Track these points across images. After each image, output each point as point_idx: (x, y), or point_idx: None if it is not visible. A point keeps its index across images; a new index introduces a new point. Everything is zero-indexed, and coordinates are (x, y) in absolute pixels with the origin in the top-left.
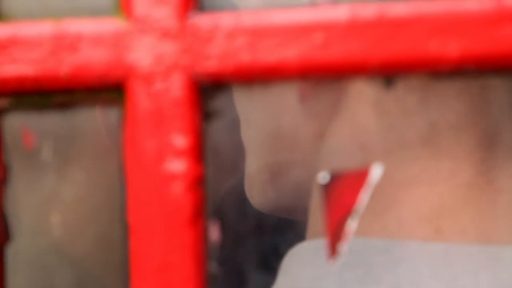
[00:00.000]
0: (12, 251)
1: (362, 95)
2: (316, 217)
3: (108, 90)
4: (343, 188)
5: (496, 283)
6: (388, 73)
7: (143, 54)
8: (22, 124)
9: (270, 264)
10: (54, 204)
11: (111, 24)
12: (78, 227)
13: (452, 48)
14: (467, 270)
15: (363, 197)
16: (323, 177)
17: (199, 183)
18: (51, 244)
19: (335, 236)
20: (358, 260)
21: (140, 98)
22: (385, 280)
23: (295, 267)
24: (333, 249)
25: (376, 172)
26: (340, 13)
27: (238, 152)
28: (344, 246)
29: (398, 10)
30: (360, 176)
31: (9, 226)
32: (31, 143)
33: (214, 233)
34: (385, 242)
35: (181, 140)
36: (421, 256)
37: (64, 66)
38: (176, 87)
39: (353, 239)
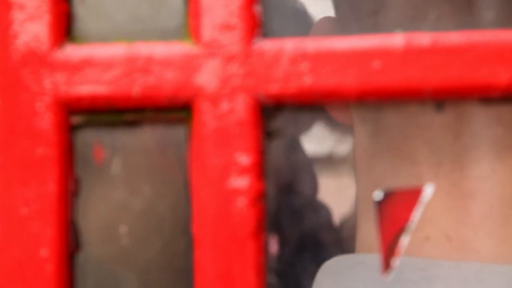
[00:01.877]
0: (82, 260)
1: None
2: (364, 232)
3: (176, 110)
4: (396, 205)
5: None
6: (440, 98)
7: (210, 76)
8: (94, 140)
9: None
10: (122, 215)
11: (180, 48)
12: (144, 238)
13: (501, 76)
14: None
15: (416, 215)
16: (377, 194)
17: (260, 198)
18: (119, 253)
19: (389, 251)
20: (395, 276)
21: (206, 117)
22: None
23: (330, 281)
24: (387, 264)
25: (428, 191)
26: (397, 40)
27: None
28: (397, 261)
29: (451, 38)
30: (413, 195)
31: (79, 236)
32: (102, 158)
33: (273, 246)
34: (421, 261)
35: (244, 158)
36: (454, 275)
37: (136, 86)
38: (240, 108)
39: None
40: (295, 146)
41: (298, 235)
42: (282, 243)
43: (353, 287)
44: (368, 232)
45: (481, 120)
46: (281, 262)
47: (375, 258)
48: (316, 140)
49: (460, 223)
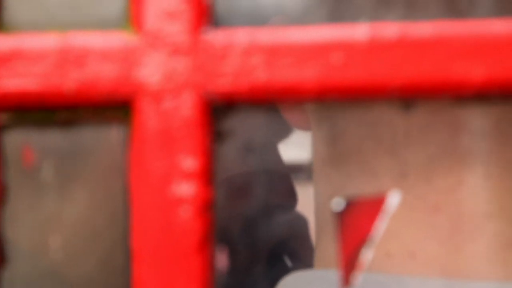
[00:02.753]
0: (9, 275)
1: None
2: (323, 246)
3: (115, 108)
4: (358, 215)
5: None
6: (409, 97)
7: (153, 70)
8: (23, 141)
9: None
10: (54, 226)
11: (119, 38)
12: (78, 251)
13: (476, 72)
14: None
15: (379, 226)
16: (337, 203)
17: (208, 207)
18: (50, 268)
19: (349, 266)
20: None
21: (148, 117)
22: None
23: None
24: (346, 280)
25: (393, 200)
26: (360, 32)
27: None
28: (358, 277)
29: (421, 30)
30: (376, 204)
31: (5, 249)
32: (31, 161)
33: (222, 260)
34: (383, 276)
35: (190, 162)
36: None
37: (69, 81)
38: (186, 106)
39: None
40: (250, 149)
41: (250, 248)
42: (232, 257)
43: None
44: (327, 246)
45: (449, 128)
46: (231, 278)
47: (334, 274)
48: (298, 146)
49: (425, 239)
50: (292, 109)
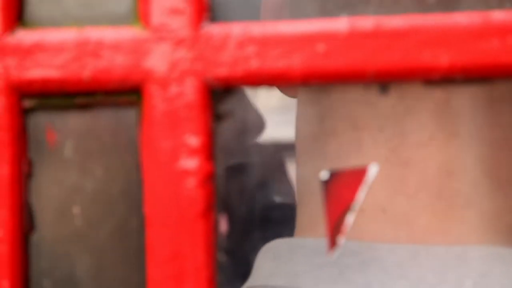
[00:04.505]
0: (36, 240)
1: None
2: (302, 215)
3: (127, 93)
4: (342, 185)
5: (461, 280)
6: (384, 81)
7: (160, 60)
8: (46, 123)
9: None
10: (75, 197)
11: (130, 32)
12: (97, 218)
13: (442, 58)
14: (433, 269)
15: (361, 194)
16: (323, 174)
17: (210, 179)
18: (72, 234)
19: (335, 229)
20: (333, 261)
21: (156, 100)
22: (357, 280)
23: (271, 263)
24: (333, 242)
25: (372, 171)
26: (341, 24)
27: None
28: (343, 239)
29: (394, 22)
30: (358, 175)
31: (33, 217)
32: (54, 141)
33: (223, 225)
34: (357, 244)
35: (194, 140)
36: (390, 258)
37: (86, 70)
38: (189, 91)
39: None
40: (245, 128)
41: (248, 214)
42: (232, 222)
43: (291, 271)
44: (306, 216)
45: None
46: (230, 241)
47: (313, 242)
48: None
49: (395, 194)
50: None
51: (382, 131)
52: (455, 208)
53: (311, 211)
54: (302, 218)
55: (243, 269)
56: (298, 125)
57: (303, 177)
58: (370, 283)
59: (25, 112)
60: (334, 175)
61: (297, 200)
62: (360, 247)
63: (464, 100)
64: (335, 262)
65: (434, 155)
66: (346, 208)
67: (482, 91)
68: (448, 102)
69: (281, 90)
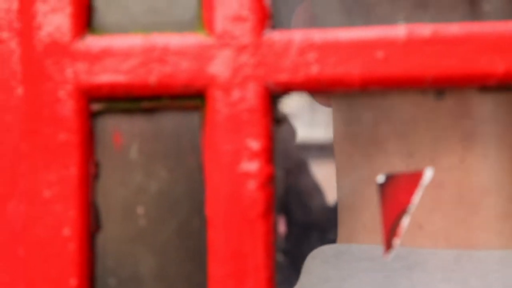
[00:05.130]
0: (102, 239)
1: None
2: (344, 221)
3: (191, 97)
4: (398, 188)
5: (505, 284)
6: (441, 86)
7: (223, 66)
8: (113, 126)
9: None
10: (139, 198)
11: (194, 39)
12: (160, 219)
13: (498, 65)
14: (476, 273)
15: (416, 197)
16: (380, 177)
17: (270, 181)
18: (137, 234)
19: (391, 232)
20: (378, 265)
21: (219, 105)
22: (402, 283)
23: (319, 268)
24: (388, 244)
25: (428, 175)
26: (399, 31)
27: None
28: (398, 242)
29: (451, 29)
30: (414, 178)
31: (99, 217)
32: (121, 143)
33: (281, 226)
34: (401, 249)
35: (255, 144)
36: (433, 261)
37: (152, 75)
38: (251, 96)
39: (375, 247)
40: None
41: (305, 216)
42: (290, 224)
43: (337, 276)
44: (349, 222)
45: (452, 113)
46: (288, 242)
47: (357, 248)
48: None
49: (432, 211)
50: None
51: (412, 156)
52: (492, 221)
53: (351, 216)
54: (343, 223)
55: (300, 269)
56: (334, 127)
57: (342, 181)
58: (414, 286)
59: (93, 116)
60: (390, 178)
61: (338, 204)
62: (404, 252)
63: (490, 127)
64: (380, 267)
65: (467, 176)
66: (402, 211)
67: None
68: (474, 129)
69: (315, 98)
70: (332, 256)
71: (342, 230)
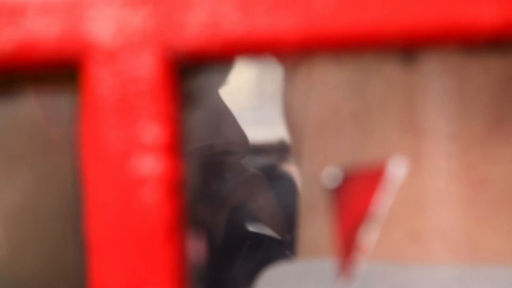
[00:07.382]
0: None
1: None
2: (307, 231)
3: (60, 72)
4: (356, 189)
5: None
6: (410, 47)
7: (103, 25)
8: None
9: None
10: None
11: None
12: (24, 245)
13: (489, 14)
14: None
15: (380, 199)
16: (332, 175)
17: (177, 186)
18: None
19: (346, 249)
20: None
21: (100, 80)
22: None
23: None
24: (344, 267)
25: (395, 168)
26: None
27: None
28: (360, 265)
29: None
30: (377, 173)
31: None
32: None
33: (199, 249)
34: (384, 266)
35: (153, 133)
36: (427, 280)
37: (3, 43)
38: (146, 66)
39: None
40: (222, 116)
41: (234, 235)
42: (212, 245)
43: None
44: (312, 232)
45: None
46: (211, 269)
47: (322, 266)
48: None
49: (461, 218)
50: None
51: (456, 139)
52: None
53: (317, 225)
54: (305, 233)
55: None
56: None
57: (309, 184)
58: None
59: None
60: (346, 176)
61: (301, 210)
62: (387, 269)
63: None
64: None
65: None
66: (360, 218)
67: None
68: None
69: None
70: (289, 277)
71: (304, 244)
